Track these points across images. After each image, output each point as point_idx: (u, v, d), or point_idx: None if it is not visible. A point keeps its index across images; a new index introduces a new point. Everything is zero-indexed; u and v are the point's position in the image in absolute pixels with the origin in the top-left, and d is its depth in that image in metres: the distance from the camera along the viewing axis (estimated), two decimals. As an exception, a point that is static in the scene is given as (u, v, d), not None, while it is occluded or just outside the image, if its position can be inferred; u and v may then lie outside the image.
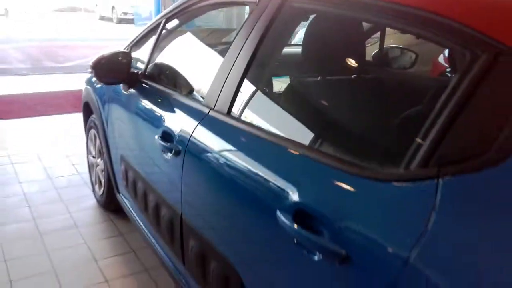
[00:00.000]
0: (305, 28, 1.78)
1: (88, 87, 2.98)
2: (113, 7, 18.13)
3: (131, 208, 2.47)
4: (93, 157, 3.14)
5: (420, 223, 0.88)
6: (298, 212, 1.14)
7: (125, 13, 17.35)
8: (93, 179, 3.24)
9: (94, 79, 2.86)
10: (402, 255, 0.89)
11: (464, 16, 1.02)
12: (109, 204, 3.00)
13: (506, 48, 0.90)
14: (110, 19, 18.35)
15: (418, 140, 0.99)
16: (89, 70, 2.23)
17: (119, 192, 2.70)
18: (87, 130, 3.17)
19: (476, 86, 0.92)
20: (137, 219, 2.36)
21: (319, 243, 1.07)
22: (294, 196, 1.16)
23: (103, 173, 2.93)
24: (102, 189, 3.03)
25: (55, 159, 3.94)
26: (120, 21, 17.58)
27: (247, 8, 1.71)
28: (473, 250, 0.82)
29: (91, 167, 3.26)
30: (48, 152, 4.09)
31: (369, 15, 1.30)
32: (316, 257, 1.08)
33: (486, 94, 0.92)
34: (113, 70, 2.21)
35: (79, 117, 3.46)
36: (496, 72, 0.91)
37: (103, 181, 2.97)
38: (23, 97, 5.82)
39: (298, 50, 1.88)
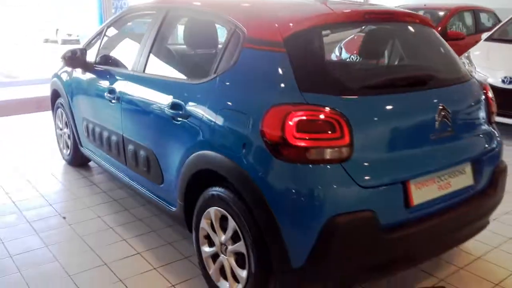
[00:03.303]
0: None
1: (55, 78, 4.27)
2: (57, 30, 19.02)
3: (92, 151, 3.77)
4: (60, 129, 4.41)
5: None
6: (173, 105, 2.53)
7: (70, 35, 18.27)
8: (61, 146, 4.50)
9: (59, 72, 4.15)
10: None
11: (231, 13, 2.46)
12: (76, 160, 4.27)
13: (247, 34, 2.30)
14: (55, 41, 19.21)
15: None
16: (60, 59, 3.56)
17: (82, 146, 3.99)
18: (55, 110, 4.44)
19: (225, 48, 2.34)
20: (97, 156, 3.67)
21: (180, 114, 2.46)
22: (170, 98, 2.55)
23: (69, 138, 4.21)
24: (68, 150, 4.30)
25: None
26: (65, 42, 18.47)
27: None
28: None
29: (59, 137, 4.53)
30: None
31: (190, 13, 2.75)
32: (180, 123, 2.47)
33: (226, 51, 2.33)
34: (75, 59, 3.55)
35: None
36: (235, 39, 2.32)
37: (69, 143, 4.24)
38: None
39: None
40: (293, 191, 1.95)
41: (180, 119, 2.48)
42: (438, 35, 2.71)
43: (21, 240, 3.06)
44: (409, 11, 2.67)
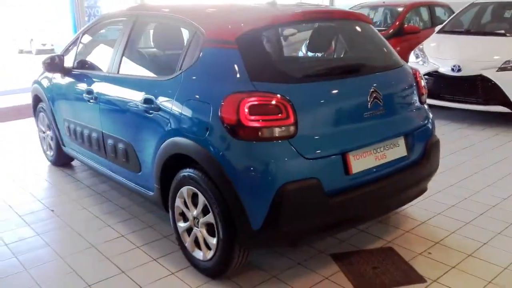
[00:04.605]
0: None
1: (36, 85, 4.57)
2: (31, 40, 19.07)
3: (75, 150, 4.09)
4: (43, 132, 4.70)
5: None
6: (145, 100, 2.89)
7: (44, 44, 18.35)
8: (45, 147, 4.79)
9: (39, 78, 4.46)
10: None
11: (192, 17, 2.83)
12: (59, 160, 4.58)
13: (206, 35, 2.67)
14: (29, 51, 19.25)
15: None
16: (41, 65, 3.87)
17: (64, 146, 4.30)
18: (37, 114, 4.74)
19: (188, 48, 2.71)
20: (79, 154, 4.00)
21: (152, 108, 2.82)
22: (142, 94, 2.91)
23: (52, 140, 4.51)
24: (52, 151, 4.61)
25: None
26: (39, 52, 18.53)
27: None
28: None
29: (42, 140, 4.82)
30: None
31: (157, 19, 3.13)
32: (152, 116, 2.83)
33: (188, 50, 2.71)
34: (54, 65, 3.88)
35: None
36: (196, 40, 2.70)
37: (52, 144, 4.55)
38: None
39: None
40: (249, 165, 2.34)
41: (152, 112, 2.84)
42: (374, 29, 3.12)
43: (14, 231, 3.37)
44: (348, 10, 3.09)
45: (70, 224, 3.46)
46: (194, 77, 2.65)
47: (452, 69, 5.91)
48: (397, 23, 8.14)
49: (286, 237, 2.46)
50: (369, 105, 2.60)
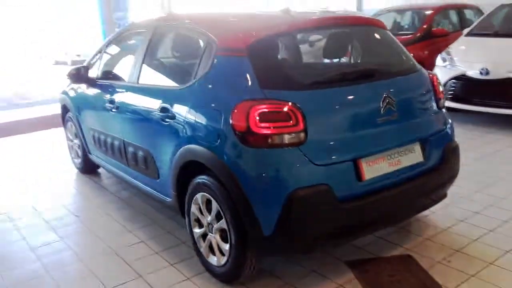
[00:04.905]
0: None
1: (63, 95, 4.74)
2: (66, 52, 19.81)
3: (100, 157, 4.21)
4: (71, 140, 4.86)
5: None
6: (162, 108, 2.96)
7: (78, 55, 18.99)
8: (73, 155, 4.95)
9: (67, 89, 4.62)
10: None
11: (205, 27, 2.88)
12: (86, 167, 4.72)
13: (218, 44, 2.72)
14: (65, 63, 19.95)
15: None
16: (66, 77, 4.02)
17: (90, 153, 4.43)
18: (65, 123, 4.91)
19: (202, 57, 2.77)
20: (103, 161, 4.11)
21: (168, 116, 2.88)
22: (159, 103, 2.98)
23: (79, 148, 4.66)
24: (79, 159, 4.76)
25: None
26: (74, 63, 19.18)
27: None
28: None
29: (70, 148, 4.98)
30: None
31: (173, 29, 3.20)
32: (168, 124, 2.89)
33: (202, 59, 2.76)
34: (78, 76, 4.02)
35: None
36: (209, 49, 2.74)
37: (79, 152, 4.70)
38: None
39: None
40: (259, 171, 2.36)
41: (168, 120, 2.90)
42: (389, 34, 3.10)
43: (40, 236, 3.50)
44: (362, 15, 3.08)
45: (93, 229, 3.56)
46: (207, 86, 2.70)
47: (480, 73, 5.76)
48: (425, 26, 8.00)
49: (298, 243, 2.46)
50: (382, 111, 2.58)
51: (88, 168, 4.72)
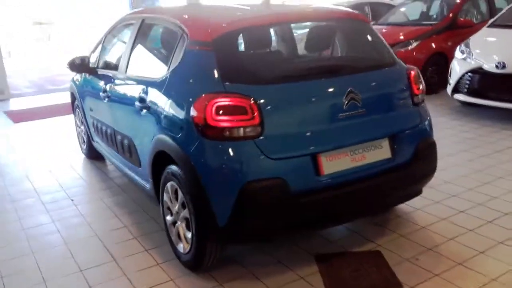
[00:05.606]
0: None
1: (71, 83, 4.94)
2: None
3: (99, 144, 4.38)
4: (79, 127, 5.08)
5: None
6: (140, 99, 3.05)
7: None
8: (80, 141, 5.17)
9: (75, 78, 4.82)
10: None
11: (182, 20, 2.94)
12: (91, 153, 4.92)
13: (190, 37, 2.77)
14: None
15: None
16: (66, 66, 4.20)
17: (93, 140, 4.61)
18: (74, 110, 5.12)
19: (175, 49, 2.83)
20: (102, 148, 4.28)
21: (144, 106, 2.98)
22: (138, 93, 3.07)
23: (85, 134, 4.86)
24: (85, 144, 4.96)
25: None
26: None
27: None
28: None
29: (78, 134, 5.20)
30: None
31: (155, 21, 3.28)
32: (144, 113, 2.98)
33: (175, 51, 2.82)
34: (78, 65, 4.18)
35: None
36: (182, 42, 2.80)
37: (84, 138, 4.90)
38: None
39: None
40: (215, 163, 2.42)
41: (145, 110, 3.00)
42: (370, 27, 3.05)
43: (34, 218, 3.71)
44: (343, 9, 3.05)
45: (84, 213, 3.73)
46: (176, 78, 2.77)
47: (496, 66, 5.54)
48: (450, 15, 7.73)
49: (252, 234, 2.51)
50: (344, 106, 2.56)
51: (93, 153, 4.91)
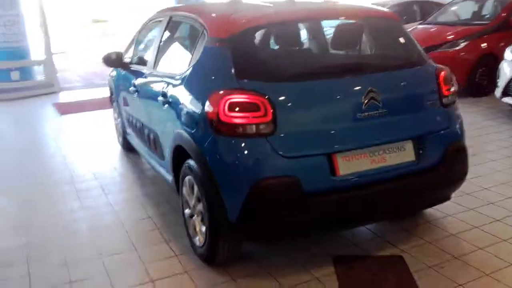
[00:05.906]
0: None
1: (109, 78, 5.09)
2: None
3: (131, 136, 4.49)
4: (116, 119, 5.22)
5: None
6: (163, 94, 3.09)
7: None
8: (117, 133, 5.32)
9: (112, 73, 4.96)
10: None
11: (203, 17, 2.94)
12: (125, 145, 5.04)
13: (209, 34, 2.78)
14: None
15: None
16: (102, 61, 4.33)
17: (127, 133, 4.73)
18: (112, 103, 5.27)
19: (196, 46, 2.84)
20: (133, 141, 4.38)
21: (166, 101, 3.01)
22: (161, 89, 3.11)
23: (121, 126, 4.99)
24: (121, 136, 5.10)
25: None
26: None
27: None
28: None
29: (116, 127, 5.35)
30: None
31: (181, 18, 3.33)
32: (166, 108, 3.01)
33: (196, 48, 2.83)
34: (113, 60, 4.29)
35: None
36: (202, 38, 2.81)
37: (120, 130, 5.03)
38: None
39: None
40: (227, 159, 2.41)
41: (167, 105, 3.03)
42: (400, 26, 2.93)
43: (67, 204, 3.86)
44: (373, 7, 2.95)
45: (112, 202, 3.84)
46: (195, 74, 2.78)
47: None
48: (503, 15, 7.33)
49: (260, 231, 2.48)
50: (364, 106, 2.47)
51: (128, 145, 5.04)
